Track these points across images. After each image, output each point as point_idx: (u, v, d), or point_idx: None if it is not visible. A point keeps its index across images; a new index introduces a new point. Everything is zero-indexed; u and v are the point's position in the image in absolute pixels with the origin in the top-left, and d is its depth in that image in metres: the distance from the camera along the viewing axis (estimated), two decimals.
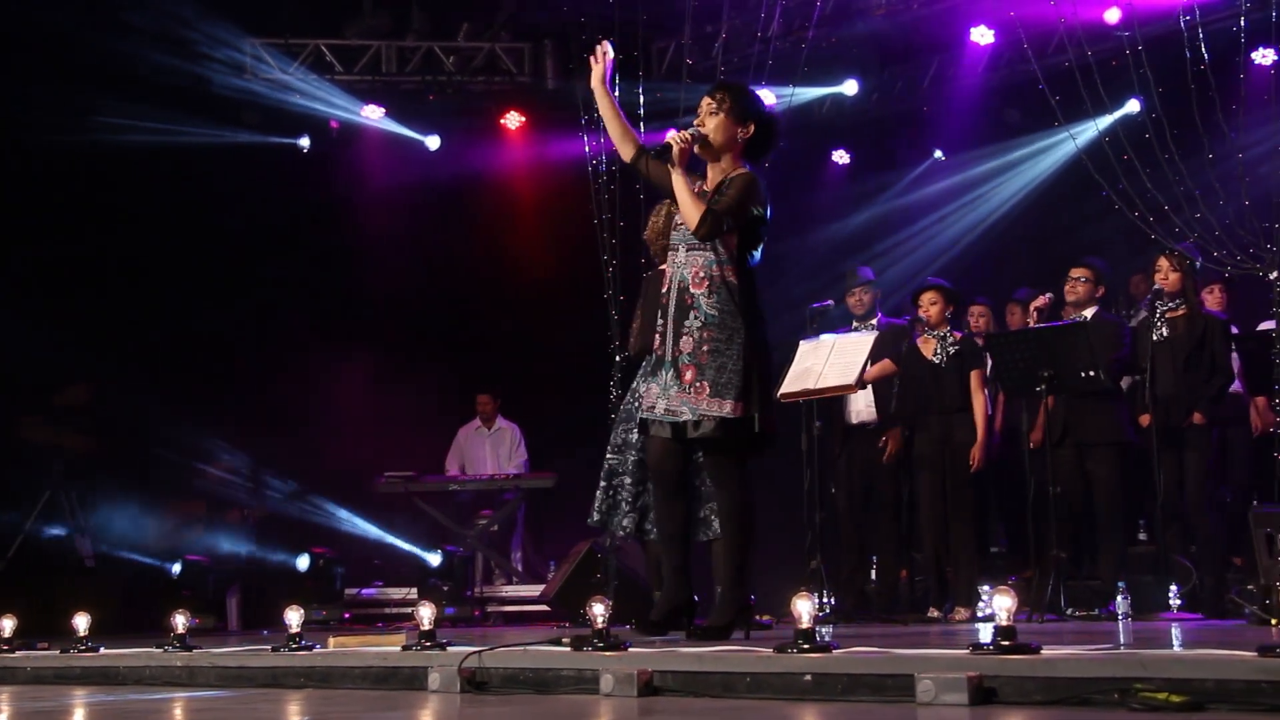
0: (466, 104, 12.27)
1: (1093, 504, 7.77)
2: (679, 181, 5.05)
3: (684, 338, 5.04)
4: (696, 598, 5.44)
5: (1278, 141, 6.27)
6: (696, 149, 5.12)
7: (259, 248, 11.52)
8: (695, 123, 5.17)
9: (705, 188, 5.17)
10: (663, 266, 6.77)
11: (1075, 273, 8.10)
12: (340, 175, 12.22)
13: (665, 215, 6.70)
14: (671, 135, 5.08)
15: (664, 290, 5.20)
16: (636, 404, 6.66)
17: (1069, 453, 7.72)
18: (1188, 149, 6.84)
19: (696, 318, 5.03)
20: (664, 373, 5.11)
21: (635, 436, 6.61)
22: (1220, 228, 6.53)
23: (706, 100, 5.21)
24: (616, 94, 5.37)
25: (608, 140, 5.58)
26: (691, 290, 5.05)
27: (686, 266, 5.10)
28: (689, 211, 5.01)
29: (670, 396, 5.07)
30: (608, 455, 6.78)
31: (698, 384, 4.99)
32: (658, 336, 5.19)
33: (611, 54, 5.34)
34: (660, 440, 5.19)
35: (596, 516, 6.75)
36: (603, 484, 6.74)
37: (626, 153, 5.30)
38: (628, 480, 6.64)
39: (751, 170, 5.16)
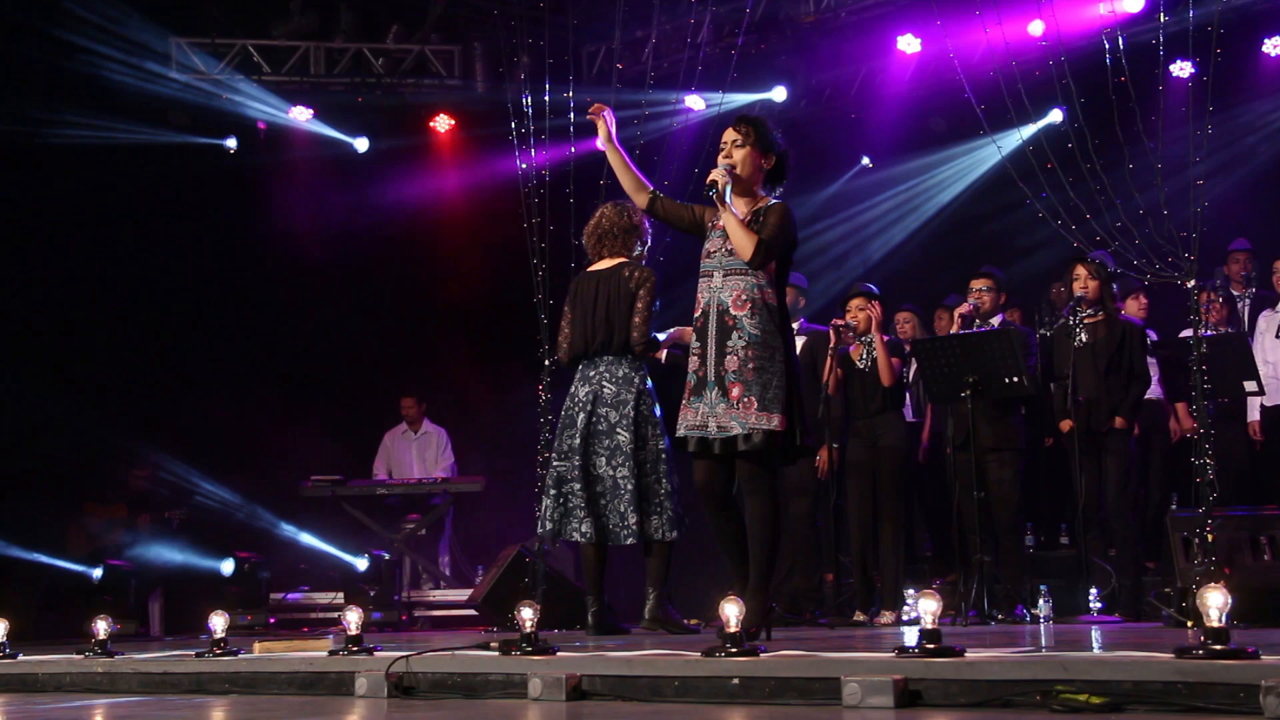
0: (395, 106, 12.21)
1: (993, 508, 7.82)
2: (729, 215, 5.33)
3: (729, 357, 5.29)
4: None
5: (1196, 152, 6.39)
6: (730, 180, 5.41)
7: (182, 248, 11.39)
8: (722, 156, 5.46)
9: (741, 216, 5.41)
10: (592, 267, 6.81)
11: (976, 283, 8.23)
12: (267, 176, 12.11)
13: (610, 215, 6.74)
14: (715, 173, 5.36)
15: (698, 314, 5.43)
16: (578, 409, 6.67)
17: (975, 457, 7.78)
18: (1109, 159, 6.95)
19: (740, 337, 5.29)
20: (708, 392, 5.34)
21: (579, 442, 6.61)
22: (1140, 236, 6.64)
23: (731, 133, 5.51)
24: (614, 131, 5.72)
25: (539, 146, 5.81)
26: (733, 312, 5.32)
27: (725, 290, 5.35)
28: (742, 242, 5.29)
29: (719, 414, 5.30)
30: (554, 463, 6.74)
31: (745, 399, 5.25)
32: (696, 359, 5.41)
33: (610, 114, 5.70)
34: (705, 463, 5.42)
35: (549, 525, 6.71)
36: (552, 491, 6.70)
37: (641, 201, 5.69)
38: (577, 486, 6.61)
39: (782, 200, 5.50)
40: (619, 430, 6.60)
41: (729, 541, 5.54)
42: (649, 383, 6.72)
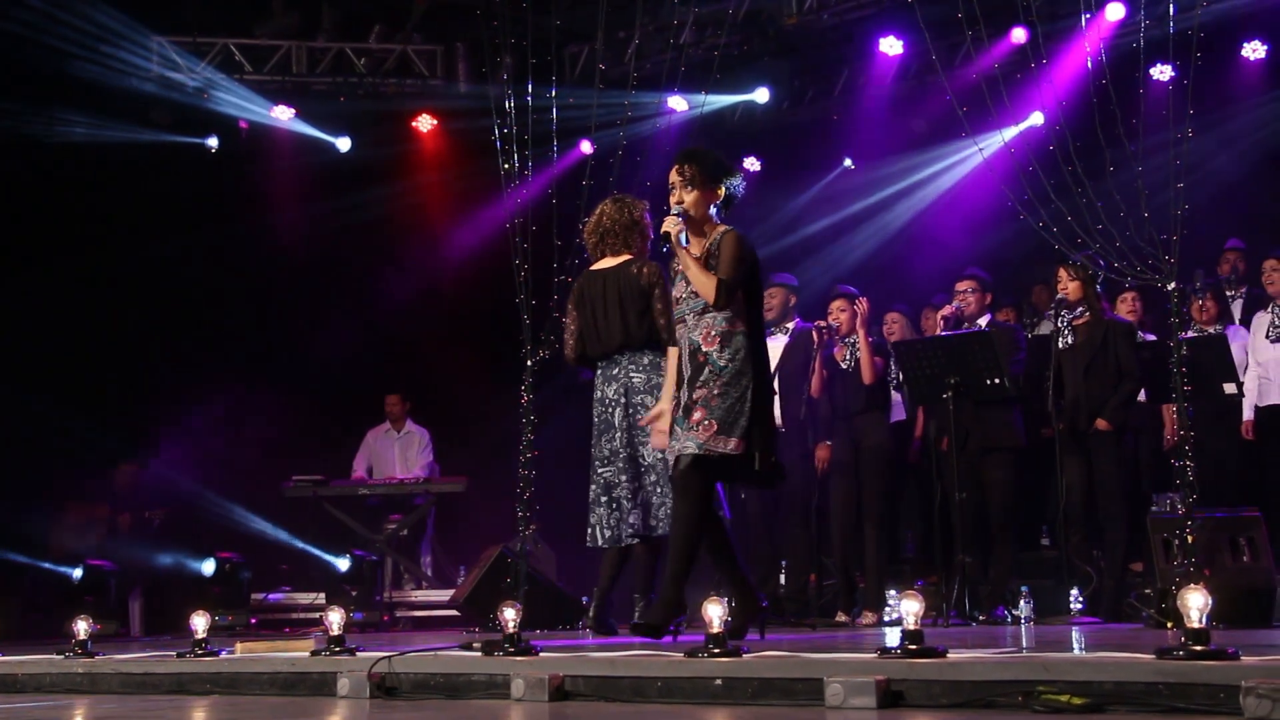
0: (378, 106, 12.19)
1: (988, 508, 7.85)
2: (687, 261, 5.41)
3: (699, 390, 5.35)
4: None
5: (1176, 155, 6.42)
6: (685, 225, 5.46)
7: (163, 247, 11.34)
8: (673, 200, 5.50)
9: (695, 255, 5.46)
10: (596, 266, 6.77)
11: (961, 285, 8.23)
12: (249, 176, 12.07)
13: (611, 212, 6.71)
14: (667, 224, 5.40)
15: (678, 355, 5.55)
16: (611, 409, 6.59)
17: (968, 458, 7.81)
18: (1090, 162, 6.98)
19: (711, 371, 5.36)
20: (679, 426, 5.40)
21: (619, 441, 6.54)
22: (1120, 239, 6.66)
23: (675, 176, 5.54)
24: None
25: (521, 147, 5.85)
26: (704, 349, 5.40)
27: (696, 330, 5.43)
28: (703, 287, 5.37)
29: (679, 435, 5.36)
30: (598, 470, 6.61)
31: (705, 423, 5.29)
32: (675, 400, 5.52)
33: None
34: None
35: (607, 533, 6.58)
36: (603, 498, 6.58)
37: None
38: (627, 486, 6.54)
39: (731, 227, 5.53)
40: None
41: (718, 552, 5.60)
42: None
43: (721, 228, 5.53)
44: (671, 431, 5.48)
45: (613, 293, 6.60)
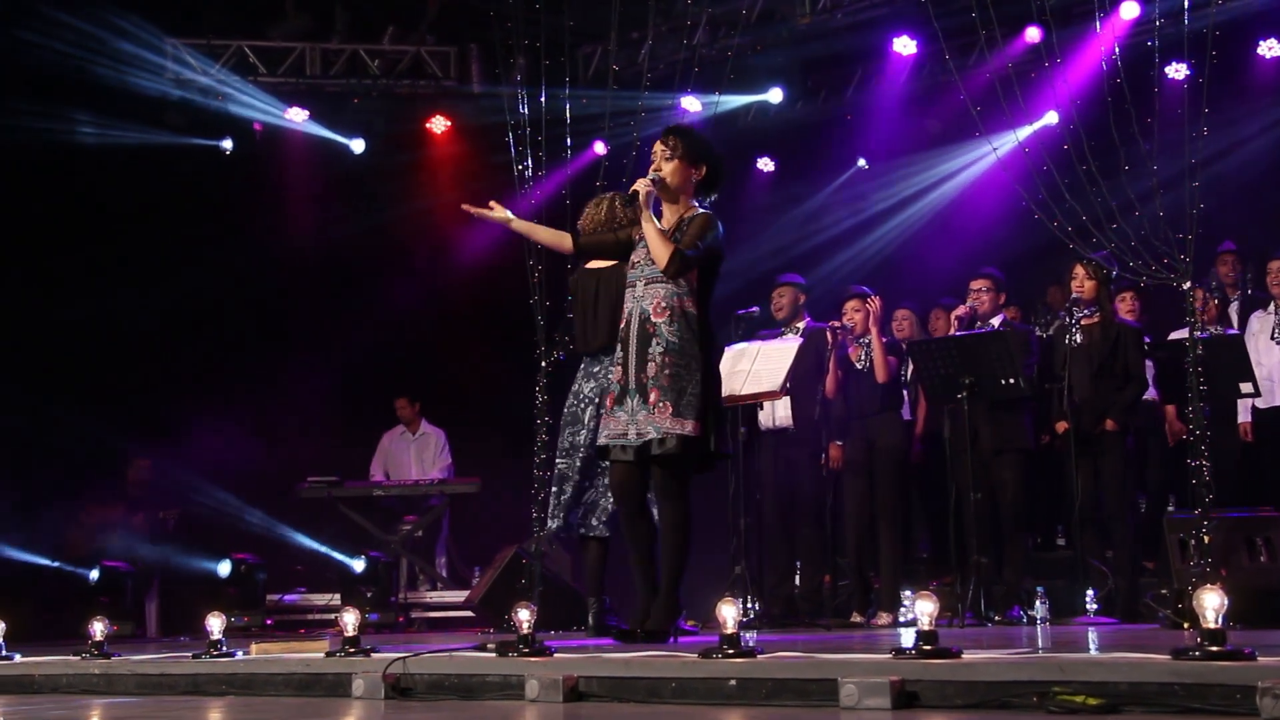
0: (391, 107, 12.21)
1: (998, 509, 7.84)
2: (648, 224, 5.39)
3: (649, 364, 5.34)
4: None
5: (1191, 154, 6.40)
6: (658, 191, 5.48)
7: (180, 249, 11.38)
8: (652, 168, 5.53)
9: (664, 226, 5.48)
10: (591, 265, 6.78)
11: (976, 284, 8.21)
12: (263, 177, 12.10)
13: (607, 208, 6.73)
14: (639, 183, 5.43)
15: (623, 324, 5.49)
16: (584, 405, 6.66)
17: (980, 458, 7.79)
18: (1105, 161, 6.96)
19: (659, 344, 5.35)
20: (630, 399, 5.40)
21: (581, 438, 6.61)
22: (1135, 238, 6.65)
23: (659, 145, 5.58)
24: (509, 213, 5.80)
25: (534, 147, 5.83)
26: (653, 319, 5.39)
27: (646, 299, 5.43)
28: (659, 251, 5.36)
29: (639, 420, 5.35)
30: (558, 461, 6.77)
31: (661, 404, 5.30)
32: (619, 368, 5.47)
33: (499, 207, 5.76)
34: (623, 465, 5.48)
35: (553, 523, 6.77)
36: (554, 489, 6.75)
37: (566, 246, 5.82)
38: (572, 481, 6.68)
39: (708, 209, 5.56)
40: None
41: (641, 546, 5.58)
42: None
43: (699, 209, 5.56)
44: (620, 403, 5.44)
45: (604, 295, 6.67)
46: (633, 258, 5.57)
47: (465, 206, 5.78)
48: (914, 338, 9.07)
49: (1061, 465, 7.96)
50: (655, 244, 5.36)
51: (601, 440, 5.54)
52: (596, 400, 6.63)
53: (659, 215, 5.53)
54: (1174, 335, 8.24)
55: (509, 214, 5.76)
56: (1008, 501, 7.83)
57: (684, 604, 6.61)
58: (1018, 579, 7.74)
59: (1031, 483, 8.09)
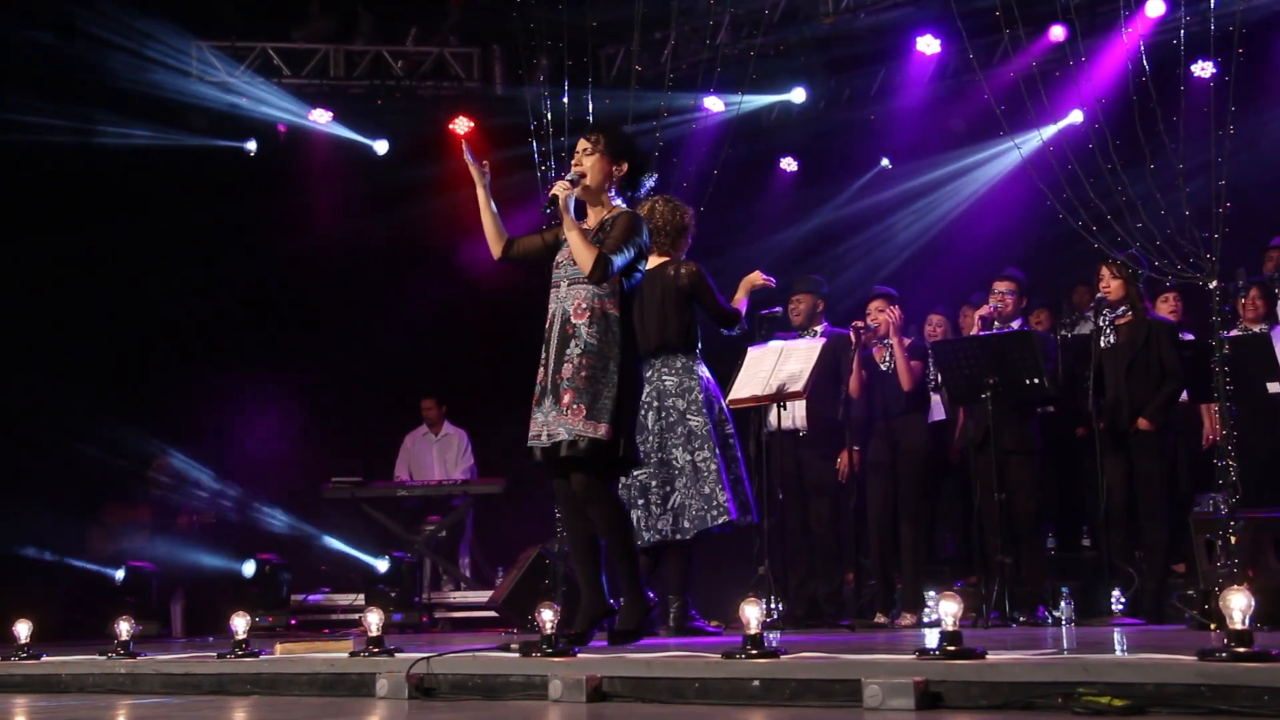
0: (415, 109, 12.24)
1: (1013, 511, 7.77)
2: (570, 227, 5.32)
3: (565, 365, 5.30)
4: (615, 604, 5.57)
5: (1216, 152, 6.36)
6: (578, 191, 5.42)
7: (205, 251, 11.44)
8: (573, 164, 5.49)
9: (587, 226, 5.44)
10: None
11: (999, 285, 8.12)
12: (287, 179, 12.14)
13: (665, 212, 6.72)
14: (557, 186, 5.34)
15: (546, 325, 5.45)
16: (641, 415, 6.51)
17: (997, 459, 7.73)
18: (1129, 159, 6.93)
19: (577, 345, 5.31)
20: (546, 400, 5.36)
21: (651, 445, 6.54)
22: (1161, 237, 6.61)
23: (582, 142, 5.53)
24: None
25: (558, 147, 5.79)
26: (574, 320, 5.35)
27: (568, 300, 5.39)
28: (582, 256, 5.28)
29: (550, 421, 5.31)
30: (635, 472, 6.60)
31: (575, 406, 5.26)
32: (541, 369, 5.43)
33: (483, 169, 5.59)
34: (555, 468, 5.43)
35: (645, 534, 6.54)
36: (639, 501, 6.59)
37: (498, 250, 5.66)
38: (656, 491, 6.56)
39: (630, 208, 5.50)
40: (690, 416, 6.57)
41: (581, 549, 5.51)
42: (707, 370, 6.74)
43: (622, 208, 5.50)
44: (539, 404, 5.39)
45: (654, 296, 6.59)
46: (557, 258, 5.50)
47: (465, 150, 5.60)
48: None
49: (1085, 465, 7.90)
50: (578, 248, 5.29)
51: (529, 442, 5.46)
52: (655, 404, 6.60)
53: (583, 216, 5.48)
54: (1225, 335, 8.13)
55: (486, 181, 5.56)
56: (1020, 503, 7.78)
57: (697, 606, 6.65)
58: (1037, 580, 7.70)
59: (1045, 483, 8.03)
